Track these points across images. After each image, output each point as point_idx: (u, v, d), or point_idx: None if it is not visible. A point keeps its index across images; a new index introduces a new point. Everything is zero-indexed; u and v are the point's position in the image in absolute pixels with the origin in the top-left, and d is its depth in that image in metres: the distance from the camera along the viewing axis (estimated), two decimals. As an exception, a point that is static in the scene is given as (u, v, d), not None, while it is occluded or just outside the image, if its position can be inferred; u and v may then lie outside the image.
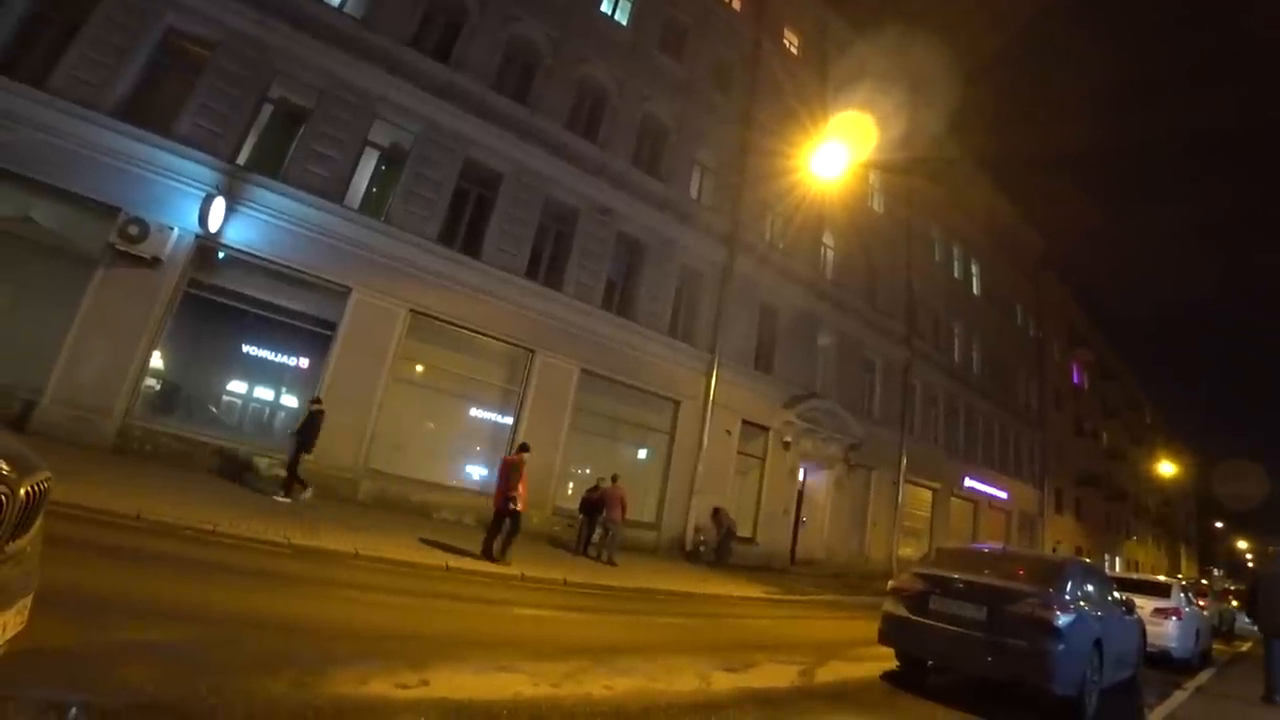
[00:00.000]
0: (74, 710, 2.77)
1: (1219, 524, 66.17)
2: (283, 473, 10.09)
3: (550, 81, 15.22)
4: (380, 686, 3.73)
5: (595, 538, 12.22)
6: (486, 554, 8.99)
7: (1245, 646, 18.78)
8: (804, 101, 19.89)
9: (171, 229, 10.46)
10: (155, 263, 10.33)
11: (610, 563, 11.50)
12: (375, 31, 12.88)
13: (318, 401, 10.47)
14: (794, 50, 21.50)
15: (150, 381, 10.88)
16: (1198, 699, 8.10)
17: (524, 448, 10.06)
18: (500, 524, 9.29)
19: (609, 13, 16.95)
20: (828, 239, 21.50)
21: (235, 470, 10.55)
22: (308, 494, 9.87)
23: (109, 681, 3.05)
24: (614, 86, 16.37)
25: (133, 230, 10.05)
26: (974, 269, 29.95)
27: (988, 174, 30.45)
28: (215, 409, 11.77)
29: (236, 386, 12.15)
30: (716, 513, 15.72)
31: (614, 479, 12.48)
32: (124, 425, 10.16)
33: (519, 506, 9.33)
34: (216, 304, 11.22)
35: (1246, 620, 28.86)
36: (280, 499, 9.50)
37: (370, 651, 4.38)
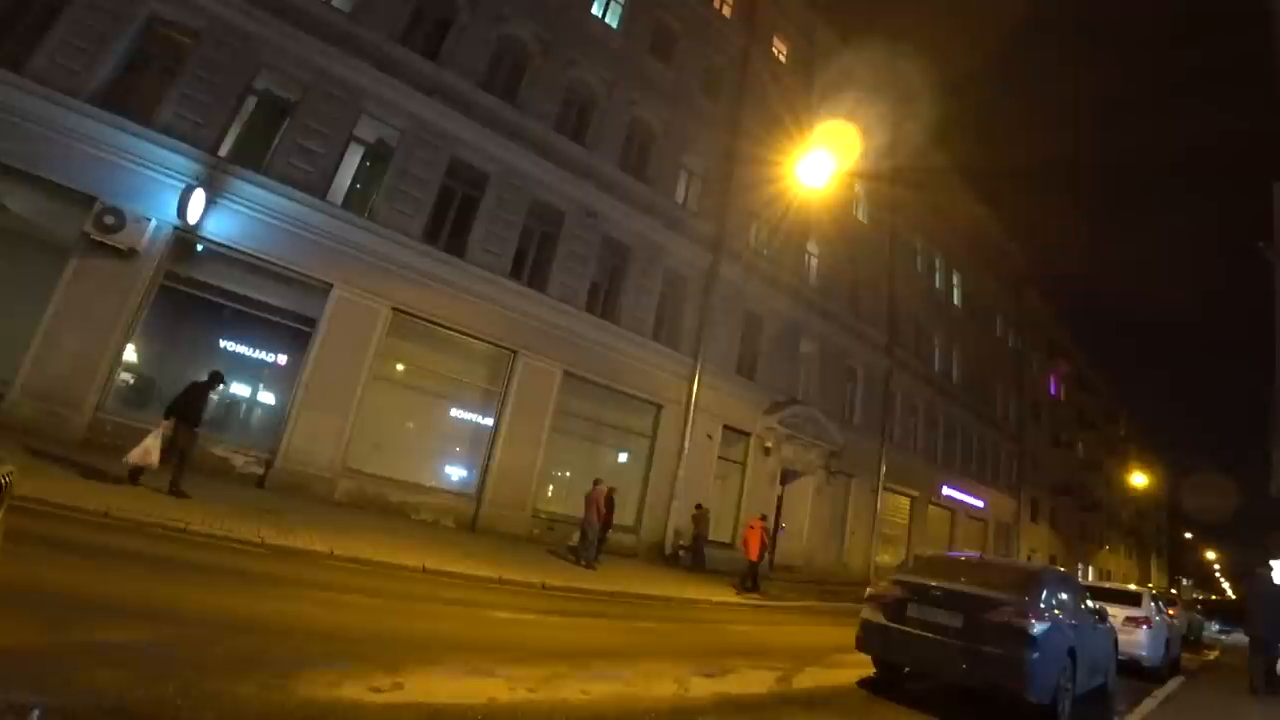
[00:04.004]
0: (36, 713, 2.69)
1: (1189, 535, 67.71)
2: None
3: (539, 82, 15.17)
4: (353, 690, 3.67)
5: (573, 541, 12.18)
6: (749, 591, 13.09)
7: (1213, 655, 19.14)
8: (791, 110, 20.03)
9: (149, 220, 10.25)
10: (131, 254, 10.11)
11: (589, 566, 11.46)
12: (364, 26, 12.75)
13: None
14: (782, 59, 21.63)
15: (124, 375, 10.66)
16: (1168, 706, 8.22)
17: (764, 517, 14.90)
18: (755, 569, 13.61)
19: (600, 15, 16.94)
20: (812, 247, 21.67)
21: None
22: None
23: (73, 683, 2.97)
24: (603, 89, 16.36)
25: (109, 220, 9.83)
26: (955, 279, 30.31)
27: (971, 185, 30.82)
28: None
29: (213, 382, 11.91)
30: (699, 508, 15.70)
31: (595, 482, 12.43)
32: (95, 419, 9.94)
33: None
34: (194, 297, 11.03)
35: (1214, 629, 29.56)
36: None
37: (343, 653, 4.31)
